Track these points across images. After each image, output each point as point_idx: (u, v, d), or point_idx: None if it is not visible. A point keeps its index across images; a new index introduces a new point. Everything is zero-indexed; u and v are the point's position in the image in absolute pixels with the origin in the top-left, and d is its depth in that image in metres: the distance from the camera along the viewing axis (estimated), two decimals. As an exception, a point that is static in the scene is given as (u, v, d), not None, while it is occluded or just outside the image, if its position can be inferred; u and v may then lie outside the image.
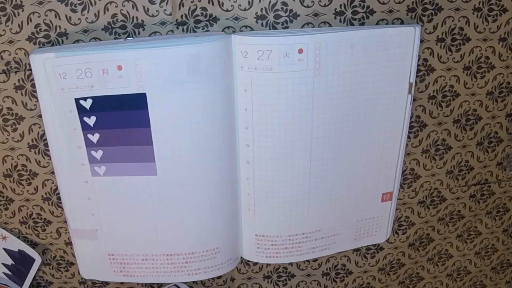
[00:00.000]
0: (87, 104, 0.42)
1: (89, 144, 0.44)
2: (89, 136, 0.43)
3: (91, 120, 0.43)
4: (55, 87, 0.41)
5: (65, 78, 0.41)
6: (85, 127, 0.43)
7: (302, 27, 0.45)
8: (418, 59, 0.47)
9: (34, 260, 0.50)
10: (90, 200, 0.46)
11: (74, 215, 0.47)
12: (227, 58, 0.43)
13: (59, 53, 0.40)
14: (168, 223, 0.48)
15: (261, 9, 0.44)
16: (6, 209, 0.49)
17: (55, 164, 0.45)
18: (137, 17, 0.43)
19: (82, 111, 0.42)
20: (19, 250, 0.50)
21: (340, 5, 0.44)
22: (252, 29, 0.44)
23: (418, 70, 0.48)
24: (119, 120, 0.43)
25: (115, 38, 0.43)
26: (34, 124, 0.45)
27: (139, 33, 0.43)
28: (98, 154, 0.44)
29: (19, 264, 0.50)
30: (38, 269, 0.52)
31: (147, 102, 0.42)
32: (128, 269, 0.50)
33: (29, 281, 0.51)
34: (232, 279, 0.57)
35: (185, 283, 0.53)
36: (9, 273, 0.50)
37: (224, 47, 0.42)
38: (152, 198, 0.46)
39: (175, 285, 0.53)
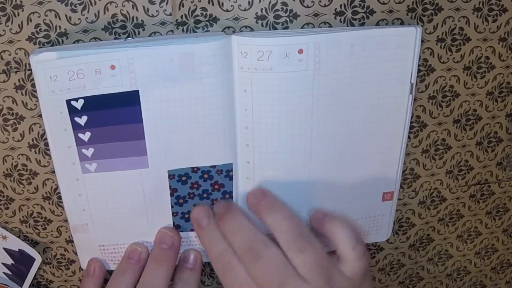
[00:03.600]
0: (79, 104, 0.42)
1: (79, 143, 0.44)
2: (80, 135, 0.43)
3: (82, 120, 0.43)
4: (45, 89, 0.41)
5: (56, 80, 0.41)
6: (76, 127, 0.43)
7: (302, 27, 0.45)
8: (418, 59, 0.47)
9: (34, 259, 0.50)
10: (80, 197, 0.47)
11: (69, 212, 0.48)
12: (224, 58, 0.43)
13: (56, 55, 0.40)
14: (159, 213, 0.48)
15: (261, 9, 0.44)
16: (7, 208, 0.49)
17: (57, 171, 0.46)
18: (137, 17, 0.43)
19: (73, 112, 0.42)
20: (19, 249, 0.50)
21: (340, 5, 0.44)
22: (252, 29, 0.44)
23: (418, 70, 0.48)
24: (111, 117, 0.43)
25: (115, 38, 0.43)
26: (34, 124, 0.45)
27: (139, 33, 0.43)
28: (89, 152, 0.44)
29: (20, 263, 0.50)
30: (39, 268, 0.52)
31: (139, 99, 0.42)
32: (119, 258, 0.50)
33: (29, 281, 0.51)
34: (232, 279, 0.57)
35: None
36: (9, 272, 0.50)
37: (220, 47, 0.42)
38: (144, 190, 0.47)
39: None
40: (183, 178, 0.47)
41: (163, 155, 0.46)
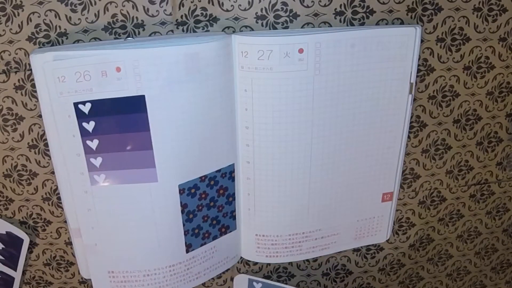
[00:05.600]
0: (86, 108, 0.41)
1: (88, 151, 0.43)
2: (88, 142, 0.42)
3: (90, 126, 0.42)
4: (54, 91, 0.40)
5: (64, 81, 0.40)
6: (84, 133, 0.42)
7: (302, 27, 0.45)
8: (418, 59, 0.47)
9: (22, 240, 0.50)
10: (89, 212, 0.45)
11: (74, 224, 0.46)
12: (226, 58, 0.43)
13: (57, 55, 0.39)
14: (170, 233, 0.47)
15: (261, 9, 0.44)
16: (6, 209, 0.49)
17: (57, 172, 0.44)
18: (137, 17, 0.43)
19: (81, 116, 0.41)
20: (6, 232, 0.49)
21: (340, 5, 0.44)
22: (252, 29, 0.44)
23: (418, 70, 0.48)
24: (118, 124, 0.42)
25: (115, 38, 0.43)
26: (34, 124, 0.45)
27: (139, 33, 0.43)
28: (97, 161, 0.43)
29: (10, 247, 0.49)
30: (38, 269, 0.52)
31: (146, 105, 0.42)
32: (129, 287, 0.49)
33: (22, 263, 0.50)
34: (232, 279, 0.57)
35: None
36: (2, 258, 0.50)
37: (223, 47, 0.42)
38: (153, 207, 0.45)
39: None
40: (192, 191, 0.46)
41: (172, 167, 0.44)
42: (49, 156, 0.46)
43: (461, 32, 0.48)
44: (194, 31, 0.44)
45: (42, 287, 0.54)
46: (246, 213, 0.51)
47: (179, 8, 0.43)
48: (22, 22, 0.41)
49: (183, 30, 0.44)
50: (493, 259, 0.64)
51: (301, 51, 0.43)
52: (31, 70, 0.42)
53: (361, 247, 0.58)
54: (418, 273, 0.62)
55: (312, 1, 0.44)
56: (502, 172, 0.57)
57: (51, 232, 0.51)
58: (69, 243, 0.51)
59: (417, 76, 0.48)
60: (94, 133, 0.42)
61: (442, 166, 0.55)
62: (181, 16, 0.43)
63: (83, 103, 0.41)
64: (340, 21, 0.45)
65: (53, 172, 0.47)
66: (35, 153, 0.47)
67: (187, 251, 0.49)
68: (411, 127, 0.51)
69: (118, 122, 0.42)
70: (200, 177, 0.46)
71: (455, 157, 0.55)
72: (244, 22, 0.44)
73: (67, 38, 0.42)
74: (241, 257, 0.54)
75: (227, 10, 0.43)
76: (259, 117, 0.46)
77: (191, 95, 0.42)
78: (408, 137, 0.52)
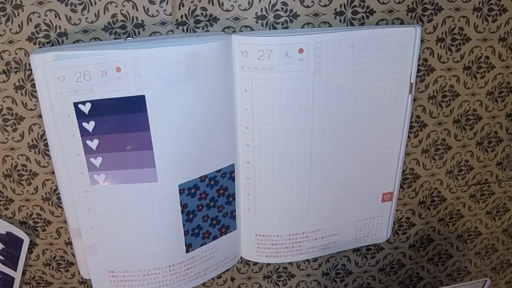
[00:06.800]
0: (86, 108, 0.41)
1: (88, 151, 0.43)
2: (88, 142, 0.42)
3: (90, 126, 0.42)
4: (54, 91, 0.40)
5: (64, 81, 0.40)
6: (84, 133, 0.42)
7: (302, 27, 0.45)
8: (418, 59, 0.47)
9: (22, 240, 0.49)
10: (89, 212, 0.45)
11: (74, 225, 0.46)
12: (226, 58, 0.43)
13: (58, 55, 0.39)
14: (170, 233, 0.48)
15: (261, 9, 0.44)
16: (6, 209, 0.49)
17: (57, 172, 0.44)
18: (137, 17, 0.43)
19: (80, 116, 0.41)
20: (6, 232, 0.49)
21: (340, 5, 0.44)
22: (252, 29, 0.44)
23: (418, 70, 0.48)
24: (118, 124, 0.42)
25: (115, 38, 0.43)
26: (34, 124, 0.45)
27: (139, 33, 0.43)
28: (97, 161, 0.43)
29: (10, 247, 0.49)
30: (38, 269, 0.52)
31: (146, 105, 0.42)
32: (129, 287, 0.49)
33: (22, 264, 0.50)
34: (232, 279, 0.57)
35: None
36: (2, 258, 0.50)
37: (223, 47, 0.42)
38: (154, 207, 0.45)
39: None
40: (192, 191, 0.46)
41: (172, 167, 0.44)
42: (49, 156, 0.46)
43: (461, 32, 0.48)
44: (194, 31, 0.44)
45: (42, 287, 0.54)
46: (246, 213, 0.51)
47: (179, 8, 0.43)
48: (22, 22, 0.41)
49: (183, 30, 0.44)
50: (493, 259, 0.64)
51: (301, 51, 0.43)
52: (31, 70, 0.42)
53: (361, 247, 0.58)
54: (418, 273, 0.62)
55: (312, 1, 0.44)
56: (502, 172, 0.57)
57: (51, 232, 0.51)
58: (69, 243, 0.51)
59: (417, 76, 0.48)
60: (94, 133, 0.42)
61: (442, 166, 0.55)
62: (181, 16, 0.43)
63: (83, 103, 0.41)
64: (340, 21, 0.45)
65: (53, 172, 0.47)
66: (35, 153, 0.47)
67: (187, 251, 0.49)
68: (411, 127, 0.51)
69: (118, 122, 0.42)
70: (200, 177, 0.46)
71: (455, 157, 0.55)
72: (244, 22, 0.44)
73: (67, 38, 0.42)
74: (241, 257, 0.54)
75: (227, 10, 0.43)
76: (259, 117, 0.46)
77: (191, 95, 0.42)
78: (408, 137, 0.52)
